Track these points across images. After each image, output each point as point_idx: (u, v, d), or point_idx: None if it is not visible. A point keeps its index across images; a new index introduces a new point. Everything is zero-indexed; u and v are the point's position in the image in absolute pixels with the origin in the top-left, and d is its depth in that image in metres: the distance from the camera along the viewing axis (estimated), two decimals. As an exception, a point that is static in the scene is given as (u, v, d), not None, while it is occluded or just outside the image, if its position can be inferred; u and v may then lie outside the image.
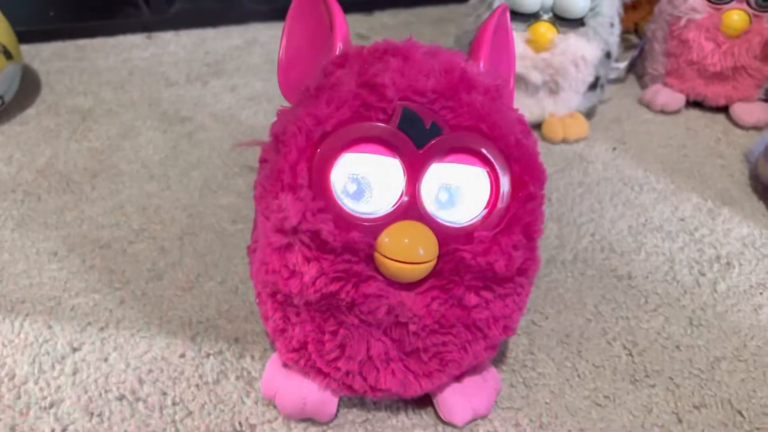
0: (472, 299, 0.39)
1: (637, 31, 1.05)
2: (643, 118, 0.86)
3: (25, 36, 0.87)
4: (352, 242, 0.37)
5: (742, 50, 0.82)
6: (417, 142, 0.37)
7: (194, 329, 0.52)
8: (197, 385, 0.48)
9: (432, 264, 0.38)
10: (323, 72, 0.39)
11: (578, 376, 0.51)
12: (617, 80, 0.92)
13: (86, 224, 0.62)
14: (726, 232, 0.67)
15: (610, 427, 0.47)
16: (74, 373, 0.48)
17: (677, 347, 0.54)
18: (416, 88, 0.36)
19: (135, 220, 0.63)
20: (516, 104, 0.80)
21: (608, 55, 0.79)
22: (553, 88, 0.78)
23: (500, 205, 0.38)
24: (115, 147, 0.73)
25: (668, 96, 0.86)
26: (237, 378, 0.49)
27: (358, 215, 0.37)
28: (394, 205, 0.38)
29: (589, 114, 0.83)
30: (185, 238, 0.61)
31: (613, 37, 0.78)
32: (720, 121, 0.86)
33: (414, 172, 0.37)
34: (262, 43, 0.97)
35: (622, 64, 0.88)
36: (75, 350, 0.50)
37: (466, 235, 0.38)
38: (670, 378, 0.51)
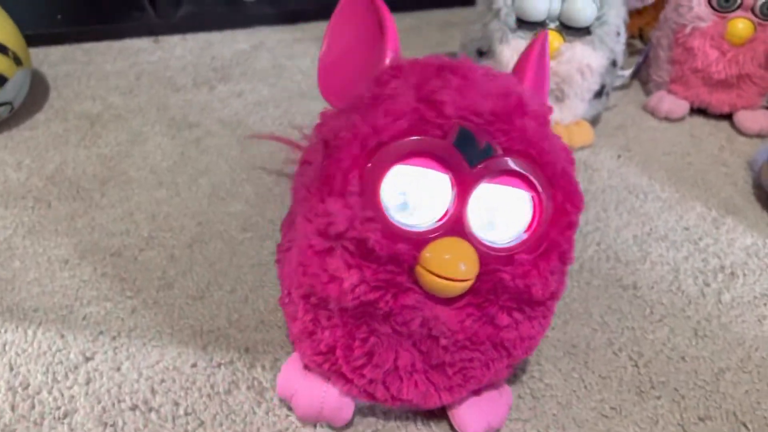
0: (504, 319, 0.40)
1: (641, 36, 1.05)
2: (648, 125, 0.86)
3: (32, 39, 0.87)
4: (398, 253, 0.37)
5: (746, 58, 0.82)
6: (470, 160, 0.37)
7: (205, 339, 0.53)
8: (209, 395, 0.49)
9: (471, 282, 0.38)
10: (378, 80, 0.39)
11: (585, 387, 0.52)
12: (622, 87, 0.92)
13: (97, 232, 0.63)
14: (730, 242, 0.67)
15: (617, 439, 0.48)
16: (87, 383, 0.49)
17: (682, 358, 0.55)
18: (474, 108, 0.36)
19: (145, 227, 0.64)
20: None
21: (614, 63, 0.79)
22: (558, 95, 0.78)
23: (541, 230, 0.39)
24: (124, 153, 0.74)
25: (672, 103, 0.87)
26: (248, 388, 0.49)
27: (405, 227, 0.38)
28: (440, 221, 0.38)
29: (594, 121, 0.84)
30: (195, 246, 0.62)
31: (619, 46, 0.79)
32: (724, 129, 0.86)
33: (463, 190, 0.38)
34: (268, 47, 0.97)
35: (628, 72, 0.89)
36: (88, 359, 0.51)
37: (507, 256, 0.39)
38: (676, 389, 0.52)
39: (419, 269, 0.38)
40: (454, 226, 0.38)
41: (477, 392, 0.46)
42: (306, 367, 0.46)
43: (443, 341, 0.40)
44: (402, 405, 0.44)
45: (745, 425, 0.50)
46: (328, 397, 0.45)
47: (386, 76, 0.39)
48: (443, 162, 0.37)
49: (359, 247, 0.37)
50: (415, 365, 0.42)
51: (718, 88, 0.85)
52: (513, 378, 0.52)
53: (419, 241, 0.38)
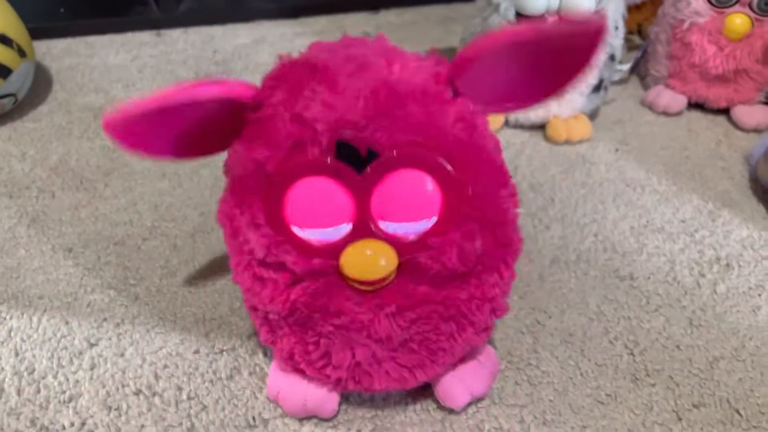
0: (436, 292, 0.41)
1: (640, 32, 1.06)
2: (646, 120, 0.87)
3: (36, 32, 0.88)
4: (315, 268, 0.40)
5: (744, 53, 0.83)
6: (356, 167, 0.38)
7: (207, 326, 0.54)
8: (211, 381, 0.50)
9: (392, 276, 0.40)
10: (261, 95, 0.39)
11: (581, 374, 0.53)
12: (620, 81, 0.93)
13: (100, 221, 0.64)
14: (726, 234, 0.68)
15: (612, 425, 0.49)
16: (92, 368, 0.50)
17: (677, 347, 0.55)
18: (346, 119, 0.37)
19: (148, 217, 0.65)
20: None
21: (612, 57, 0.80)
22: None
23: (450, 207, 0.39)
24: (127, 145, 0.74)
25: (670, 98, 0.88)
26: (250, 374, 0.50)
27: (316, 242, 0.39)
28: (347, 226, 0.39)
29: (592, 115, 0.85)
30: (197, 236, 0.63)
31: (617, 40, 0.80)
32: (721, 123, 0.87)
33: (360, 194, 0.38)
34: (270, 41, 0.98)
35: (626, 66, 0.90)
36: (92, 345, 0.52)
37: (421, 242, 0.40)
38: (670, 377, 0.53)
39: (342, 275, 0.40)
40: (362, 227, 0.39)
41: (455, 365, 0.47)
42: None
43: (393, 323, 0.41)
44: (382, 391, 0.45)
45: (738, 412, 0.50)
46: (308, 392, 0.46)
47: (267, 89, 0.39)
48: (331, 175, 0.38)
49: (281, 268, 0.40)
50: (376, 356, 0.42)
51: (716, 83, 0.86)
52: (509, 365, 0.53)
53: (333, 251, 0.39)
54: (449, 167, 0.38)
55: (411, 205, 0.39)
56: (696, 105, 0.89)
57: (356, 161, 0.38)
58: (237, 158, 0.40)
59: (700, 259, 0.65)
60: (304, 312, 0.41)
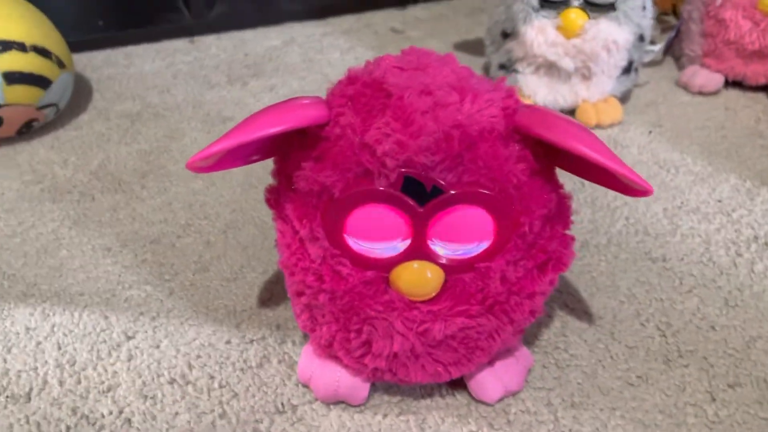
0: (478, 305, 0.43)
1: (675, 12, 1.03)
2: (680, 101, 0.85)
3: (76, 46, 0.92)
4: (368, 279, 0.42)
5: (781, 27, 0.80)
6: (419, 201, 0.39)
7: (239, 317, 0.55)
8: (242, 369, 0.51)
9: (436, 292, 0.42)
10: (328, 115, 0.40)
11: (611, 357, 0.52)
12: (653, 63, 0.91)
13: (137, 221, 0.66)
14: (765, 213, 0.66)
15: (642, 406, 0.48)
16: (129, 360, 0.52)
17: (712, 327, 0.54)
18: (416, 160, 0.38)
19: (182, 216, 0.67)
20: (549, 91, 0.81)
21: (641, 38, 0.79)
22: (585, 73, 0.78)
23: (502, 238, 0.41)
24: (163, 148, 0.77)
25: (706, 77, 0.86)
26: (279, 362, 0.51)
27: (371, 257, 0.41)
28: (403, 245, 0.41)
29: (623, 98, 0.83)
30: (229, 232, 0.64)
31: (646, 20, 0.78)
32: (761, 101, 0.84)
33: (419, 224, 0.40)
34: (299, 42, 1.00)
35: (657, 47, 0.88)
36: (129, 338, 0.54)
37: (468, 265, 0.42)
38: (704, 358, 0.52)
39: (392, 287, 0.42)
40: (417, 251, 0.41)
41: (491, 360, 0.47)
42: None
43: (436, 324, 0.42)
44: (415, 384, 0.46)
45: (776, 391, 0.49)
46: (342, 378, 0.47)
47: (336, 106, 0.41)
48: (394, 205, 0.40)
49: (336, 274, 0.42)
50: (415, 349, 0.43)
51: (753, 59, 0.83)
52: (537, 349, 0.52)
53: (386, 266, 0.42)
54: (507, 207, 0.40)
55: (465, 234, 0.41)
56: (734, 83, 0.87)
57: (420, 195, 0.39)
58: (303, 175, 0.41)
59: (737, 238, 0.63)
60: (357, 293, 0.42)
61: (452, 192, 0.39)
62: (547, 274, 0.43)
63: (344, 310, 0.43)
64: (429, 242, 0.41)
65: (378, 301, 0.42)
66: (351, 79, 0.42)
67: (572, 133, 0.39)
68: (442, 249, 0.41)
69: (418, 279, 0.41)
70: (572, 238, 0.45)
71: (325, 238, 0.41)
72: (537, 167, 0.41)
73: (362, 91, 0.41)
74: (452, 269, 0.42)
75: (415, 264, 0.41)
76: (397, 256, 0.41)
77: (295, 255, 0.43)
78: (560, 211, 0.45)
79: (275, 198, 0.46)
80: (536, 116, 0.40)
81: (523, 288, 0.43)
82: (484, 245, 0.41)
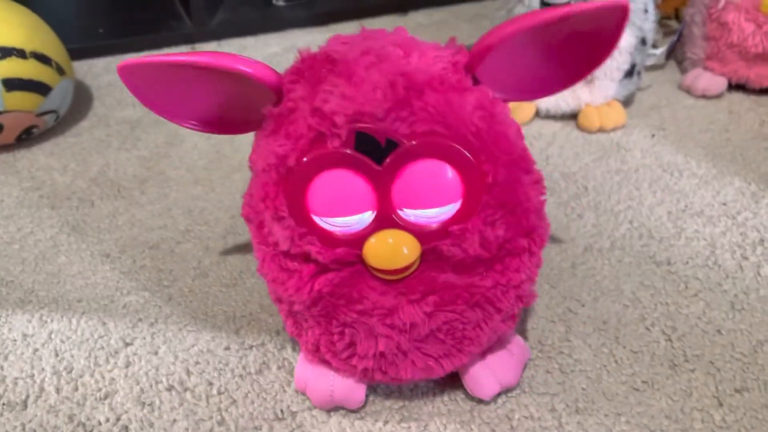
0: (459, 279, 0.41)
1: (677, 16, 1.03)
2: (684, 104, 0.84)
3: (77, 53, 0.92)
4: (339, 257, 0.40)
5: (785, 30, 0.80)
6: (376, 159, 0.38)
7: (238, 323, 0.55)
8: (241, 376, 0.50)
9: (415, 264, 0.40)
10: (283, 86, 0.40)
11: (615, 361, 0.51)
12: (656, 66, 0.90)
13: (136, 227, 0.66)
14: (771, 215, 0.65)
15: (648, 412, 0.47)
16: (127, 366, 0.51)
17: (718, 331, 0.53)
18: (363, 111, 0.37)
19: (181, 222, 0.66)
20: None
21: (643, 41, 0.78)
22: (587, 77, 0.77)
23: (472, 195, 0.39)
24: (162, 154, 0.77)
25: (709, 80, 0.85)
26: (278, 368, 0.51)
27: (339, 232, 0.40)
28: (370, 217, 0.39)
29: (626, 102, 0.83)
30: (228, 238, 0.64)
31: (648, 24, 0.78)
32: (765, 104, 0.84)
33: (381, 185, 0.38)
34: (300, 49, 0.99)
35: (660, 50, 0.87)
36: (127, 345, 0.53)
37: (442, 230, 0.40)
38: (711, 362, 0.51)
39: (366, 265, 0.40)
40: (385, 218, 0.39)
41: (484, 354, 0.46)
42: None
43: (417, 310, 0.41)
44: (409, 382, 0.45)
45: (784, 396, 0.48)
46: (335, 383, 0.46)
47: (288, 83, 0.40)
48: (352, 167, 0.38)
49: (306, 258, 0.41)
50: (401, 346, 0.42)
51: (757, 61, 0.83)
52: (540, 354, 0.52)
53: (357, 240, 0.40)
54: (468, 155, 0.38)
55: (431, 194, 0.39)
56: (737, 86, 0.86)
57: (376, 152, 0.38)
58: (260, 152, 0.41)
59: (743, 241, 0.62)
60: (329, 301, 0.41)
61: (407, 143, 0.37)
62: (535, 253, 0.42)
63: (322, 314, 0.42)
64: (397, 209, 0.39)
65: (352, 309, 0.41)
66: (301, 58, 0.42)
67: (512, 22, 0.38)
68: (411, 214, 0.39)
69: (394, 255, 0.39)
70: (543, 201, 0.43)
71: (290, 216, 0.40)
72: (497, 114, 0.40)
73: (310, 64, 0.40)
74: (426, 236, 0.39)
75: (390, 238, 0.39)
76: (366, 229, 0.39)
77: (269, 259, 0.42)
78: (528, 167, 0.42)
79: (246, 201, 0.44)
80: (477, 45, 0.39)
81: (510, 280, 0.42)
82: (456, 205, 0.39)
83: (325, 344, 0.44)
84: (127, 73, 0.41)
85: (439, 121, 0.38)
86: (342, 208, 0.39)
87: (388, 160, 0.38)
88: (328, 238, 0.40)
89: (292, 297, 0.42)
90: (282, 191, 0.39)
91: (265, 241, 0.42)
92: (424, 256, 0.40)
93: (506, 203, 0.40)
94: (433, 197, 0.39)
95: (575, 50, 0.40)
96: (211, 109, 0.43)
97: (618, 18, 0.37)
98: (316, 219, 0.40)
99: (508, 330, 0.46)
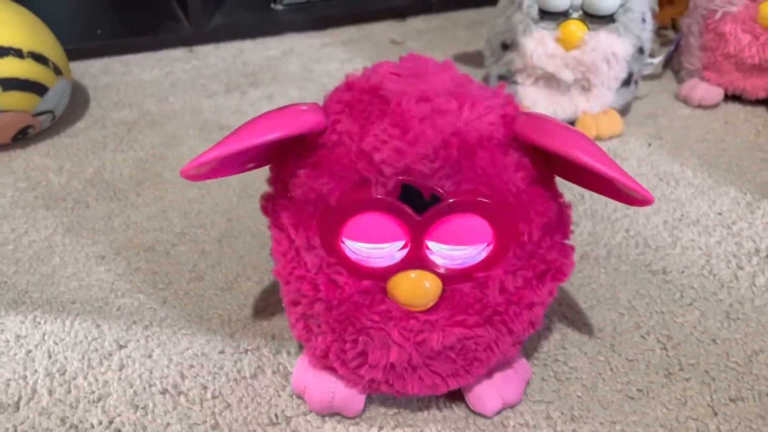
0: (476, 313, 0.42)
1: (674, 26, 1.03)
2: (680, 114, 0.85)
3: (74, 53, 0.91)
4: (365, 289, 0.41)
5: (781, 41, 0.80)
6: (417, 209, 0.39)
7: (233, 327, 0.54)
8: (236, 380, 0.50)
9: (434, 302, 0.41)
10: (325, 122, 0.40)
11: (611, 369, 0.51)
12: (653, 76, 0.91)
13: (132, 229, 0.65)
14: (765, 226, 0.65)
15: (643, 420, 0.47)
16: (120, 369, 0.51)
17: (713, 341, 0.53)
18: (414, 168, 0.37)
19: (177, 224, 0.66)
20: (548, 103, 0.80)
21: (641, 50, 0.78)
22: (585, 85, 0.78)
23: (501, 247, 0.40)
24: (159, 156, 0.76)
25: (706, 90, 0.85)
26: (273, 373, 0.50)
27: (368, 267, 0.41)
28: (400, 254, 0.40)
29: (623, 110, 0.83)
30: (224, 241, 0.64)
31: (646, 33, 0.78)
32: (761, 114, 0.84)
33: (417, 232, 0.39)
34: (298, 52, 1.00)
35: (657, 60, 0.88)
36: (121, 347, 0.53)
37: (466, 275, 0.41)
38: (706, 371, 0.51)
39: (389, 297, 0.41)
40: (414, 260, 0.40)
41: (489, 372, 0.46)
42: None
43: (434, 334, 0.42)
44: (413, 396, 0.45)
45: (779, 406, 0.48)
46: (336, 390, 0.46)
47: (334, 113, 0.40)
48: (391, 214, 0.39)
49: (332, 284, 0.41)
50: (412, 360, 0.42)
51: (753, 72, 0.83)
52: (536, 361, 0.51)
53: (383, 276, 0.41)
54: (505, 215, 0.40)
55: (467, 240, 0.40)
56: (733, 97, 0.86)
57: (418, 203, 0.39)
58: (298, 182, 0.41)
59: (738, 251, 0.62)
60: (352, 303, 0.41)
61: (450, 200, 0.38)
62: (546, 284, 0.43)
63: (340, 320, 0.42)
64: (427, 251, 0.40)
65: (374, 310, 0.41)
66: (348, 85, 0.42)
67: (571, 141, 0.38)
68: (440, 258, 0.41)
69: (416, 289, 0.41)
70: (572, 248, 0.45)
71: (321, 247, 0.41)
72: (536, 175, 0.41)
73: (359, 98, 0.40)
74: (450, 279, 0.41)
75: (413, 274, 0.40)
76: (394, 266, 0.40)
77: (291, 264, 0.43)
78: (560, 220, 0.44)
79: (271, 206, 0.45)
80: (534, 123, 0.39)
81: (522, 298, 0.42)
82: (483, 254, 0.41)
83: (335, 351, 0.43)
84: (190, 176, 0.40)
85: (484, 182, 0.39)
86: (374, 246, 0.40)
87: (429, 212, 0.39)
88: (356, 270, 0.41)
89: (319, 294, 0.42)
90: (317, 223, 0.40)
91: (289, 247, 0.43)
92: (443, 295, 0.42)
93: (534, 254, 0.42)
94: (464, 246, 0.40)
95: (596, 184, 0.41)
96: (261, 159, 0.44)
97: (639, 203, 0.40)
98: (347, 250, 0.41)
99: (515, 353, 0.47)
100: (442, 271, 0.41)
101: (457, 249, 0.40)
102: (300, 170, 0.41)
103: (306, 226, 0.41)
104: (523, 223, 0.40)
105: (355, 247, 0.40)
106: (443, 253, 0.40)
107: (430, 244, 0.40)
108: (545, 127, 0.39)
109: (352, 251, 0.41)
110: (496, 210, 0.39)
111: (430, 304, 0.41)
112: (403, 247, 0.40)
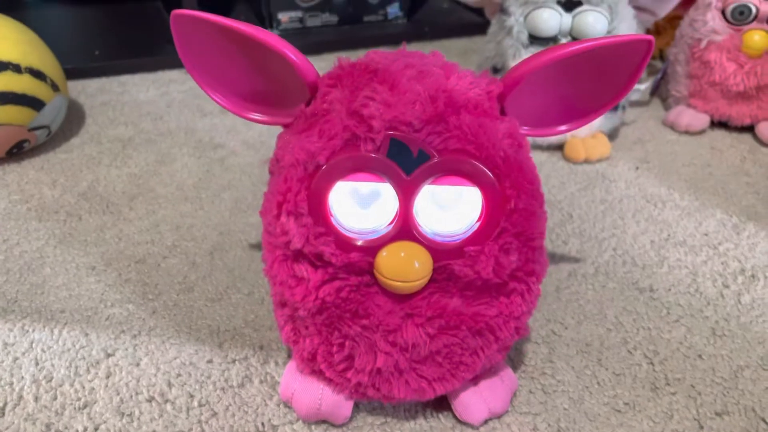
0: (467, 304, 0.41)
1: (661, 57, 1.06)
2: (667, 139, 0.86)
3: (73, 73, 0.93)
4: (352, 262, 0.40)
5: (764, 70, 0.82)
6: (406, 168, 0.38)
7: (222, 337, 0.54)
8: (223, 389, 0.50)
9: (425, 280, 0.40)
10: (318, 92, 0.41)
11: (598, 383, 0.51)
12: (641, 103, 0.93)
13: (123, 242, 0.66)
14: (751, 247, 0.66)
15: (630, 433, 0.47)
16: (107, 377, 0.51)
17: (699, 356, 0.54)
18: (402, 119, 0.38)
19: (169, 237, 0.66)
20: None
21: (628, 76, 0.80)
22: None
23: (492, 218, 0.40)
24: (153, 172, 0.77)
25: (692, 117, 0.87)
26: (261, 382, 0.50)
27: (356, 236, 0.40)
28: (388, 226, 0.40)
29: (611, 135, 0.84)
30: (215, 254, 0.64)
31: (633, 59, 0.80)
32: (746, 141, 0.86)
33: (406, 195, 0.39)
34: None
35: (644, 86, 0.90)
36: (109, 355, 0.53)
37: (457, 249, 0.40)
38: (692, 386, 0.51)
39: (375, 274, 0.40)
40: (403, 229, 0.40)
41: (476, 380, 0.46)
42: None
43: (420, 331, 0.41)
44: (399, 402, 0.45)
45: (764, 420, 0.48)
46: (324, 396, 0.46)
47: (325, 87, 0.41)
48: (380, 173, 0.39)
49: (318, 259, 0.40)
50: (399, 365, 0.42)
51: (738, 100, 0.85)
52: (523, 374, 0.52)
53: (371, 248, 0.40)
54: (494, 179, 0.39)
55: (453, 211, 0.40)
56: (719, 123, 0.88)
57: (406, 162, 0.39)
58: (288, 148, 0.40)
59: (724, 270, 0.63)
60: (334, 311, 0.41)
61: (438, 158, 0.38)
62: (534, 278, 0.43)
63: (326, 323, 0.42)
64: (416, 222, 0.40)
65: (357, 323, 0.41)
66: (340, 65, 0.42)
67: (539, 55, 0.39)
68: (429, 229, 0.40)
69: (405, 268, 0.40)
70: (543, 247, 0.44)
71: (309, 214, 0.40)
72: (524, 144, 0.41)
73: (350, 72, 0.41)
74: (441, 254, 0.40)
75: (402, 252, 0.40)
76: (382, 237, 0.40)
77: (278, 258, 0.42)
78: (541, 203, 0.43)
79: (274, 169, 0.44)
80: (507, 77, 0.41)
81: (514, 286, 0.42)
82: (475, 226, 0.40)
83: (322, 354, 0.43)
84: (178, 22, 0.40)
85: (472, 141, 0.39)
86: (363, 214, 0.40)
87: (417, 171, 0.38)
88: (343, 242, 0.40)
89: (298, 303, 0.41)
90: (305, 188, 0.39)
91: (277, 242, 0.42)
92: (434, 275, 0.41)
93: (523, 233, 0.41)
94: (454, 215, 0.40)
95: (599, 83, 0.41)
96: (243, 88, 0.43)
97: (643, 51, 0.39)
98: (335, 221, 0.40)
99: (500, 359, 0.47)
100: (430, 242, 0.40)
101: (446, 217, 0.40)
102: (289, 137, 0.41)
103: (295, 191, 0.40)
104: (511, 189, 0.39)
105: (343, 215, 0.40)
106: (432, 220, 0.40)
107: (419, 210, 0.40)
108: (518, 64, 0.41)
109: (339, 222, 0.40)
110: (485, 173, 0.39)
111: (420, 284, 0.40)
112: (392, 218, 0.40)
